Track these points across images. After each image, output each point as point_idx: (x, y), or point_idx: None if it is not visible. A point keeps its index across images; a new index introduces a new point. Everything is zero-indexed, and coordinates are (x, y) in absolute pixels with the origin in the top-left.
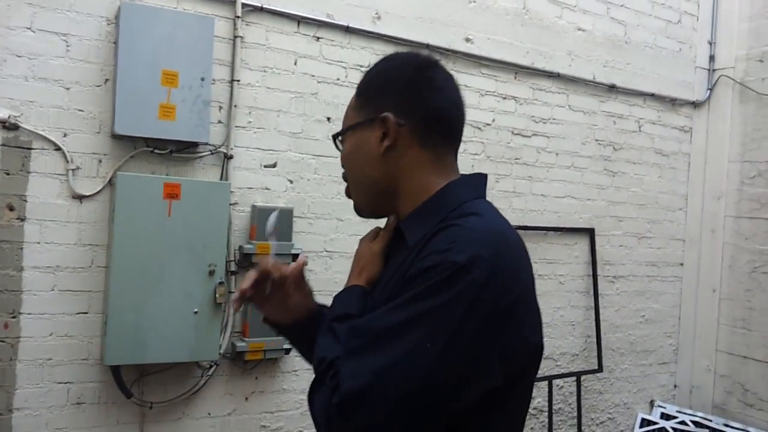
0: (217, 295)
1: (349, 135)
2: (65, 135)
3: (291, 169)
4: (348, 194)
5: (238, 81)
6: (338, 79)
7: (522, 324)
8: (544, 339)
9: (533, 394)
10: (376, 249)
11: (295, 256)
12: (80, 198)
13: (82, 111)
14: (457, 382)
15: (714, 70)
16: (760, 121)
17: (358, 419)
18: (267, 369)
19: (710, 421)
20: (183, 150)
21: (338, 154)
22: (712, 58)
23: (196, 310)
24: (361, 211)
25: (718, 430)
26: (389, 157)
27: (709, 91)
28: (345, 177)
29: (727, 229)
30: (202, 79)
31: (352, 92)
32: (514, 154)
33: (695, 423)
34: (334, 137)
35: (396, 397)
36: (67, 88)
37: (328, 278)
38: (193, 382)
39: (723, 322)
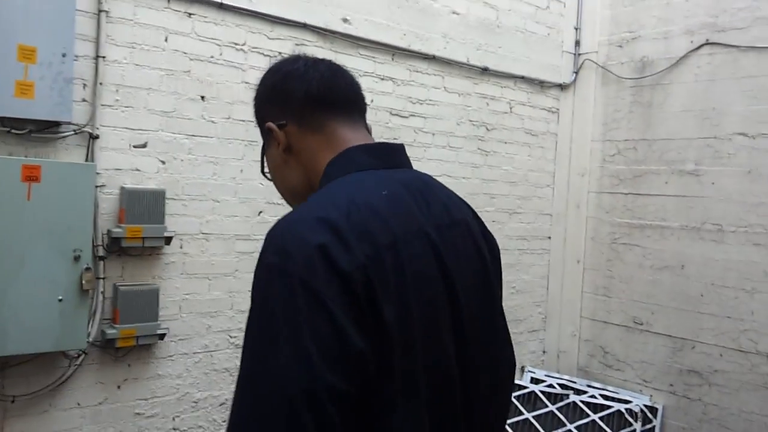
0: (83, 282)
1: (267, 162)
2: None
3: (163, 149)
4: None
5: (104, 57)
6: (212, 57)
7: (373, 300)
8: None
9: None
10: None
11: (169, 239)
12: None
13: None
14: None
15: (579, 55)
16: (620, 102)
17: None
18: (140, 355)
19: (575, 382)
20: (44, 130)
21: (215, 133)
22: (577, 43)
23: (60, 297)
24: None
25: (582, 390)
26: (292, 158)
27: (574, 74)
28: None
29: (590, 204)
30: (63, 55)
31: (227, 70)
32: (392, 134)
33: (561, 385)
34: (261, 170)
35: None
36: None
37: (204, 261)
38: (60, 372)
39: (586, 290)
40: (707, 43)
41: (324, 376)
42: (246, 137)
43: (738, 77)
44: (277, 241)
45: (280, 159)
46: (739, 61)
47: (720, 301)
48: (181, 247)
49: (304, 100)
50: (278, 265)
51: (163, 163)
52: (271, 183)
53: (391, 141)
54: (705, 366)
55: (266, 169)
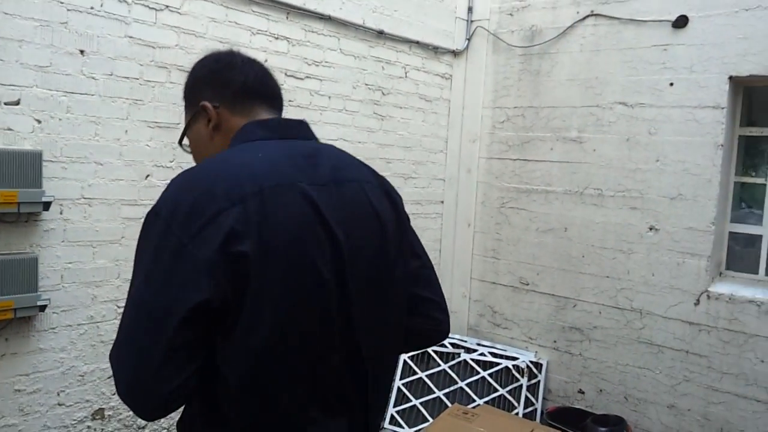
0: None
1: (188, 134)
2: None
3: (38, 107)
4: None
5: None
6: (92, 8)
7: (231, 238)
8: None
9: None
10: None
11: (47, 204)
12: None
13: None
14: (174, 305)
15: (472, 21)
16: (509, 70)
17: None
18: (19, 329)
19: (465, 341)
20: None
21: (96, 91)
22: (470, 9)
23: None
24: None
25: (472, 348)
26: (218, 135)
27: (467, 41)
28: None
29: (481, 169)
30: None
31: (109, 23)
32: (288, 96)
33: (453, 344)
34: (179, 141)
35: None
36: None
37: (87, 227)
38: None
39: (476, 252)
40: (592, 14)
41: (184, 299)
42: (130, 96)
43: (620, 48)
44: (164, 198)
45: (207, 135)
46: (621, 33)
47: (599, 261)
48: (61, 213)
49: (240, 88)
50: (154, 210)
51: (39, 122)
52: (161, 146)
53: (295, 118)
54: (585, 323)
55: (185, 142)
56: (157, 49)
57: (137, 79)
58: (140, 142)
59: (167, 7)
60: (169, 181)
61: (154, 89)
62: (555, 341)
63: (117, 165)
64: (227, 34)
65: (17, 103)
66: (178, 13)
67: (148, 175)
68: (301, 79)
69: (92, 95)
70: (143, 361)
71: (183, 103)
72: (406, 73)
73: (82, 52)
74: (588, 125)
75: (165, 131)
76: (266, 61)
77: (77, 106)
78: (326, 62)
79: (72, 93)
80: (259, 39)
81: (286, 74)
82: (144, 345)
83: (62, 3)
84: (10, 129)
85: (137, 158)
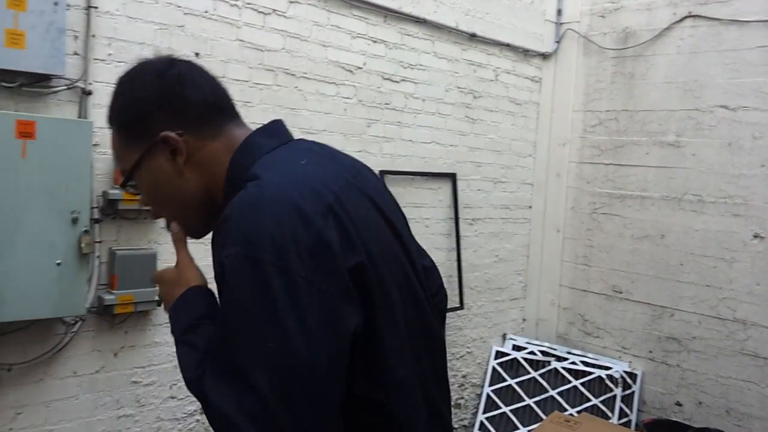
0: (82, 245)
1: (138, 174)
2: None
3: None
4: (168, 226)
5: (96, 8)
6: (206, 12)
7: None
8: None
9: None
10: (180, 259)
11: None
12: None
13: None
14: (328, 354)
15: (561, 24)
16: (601, 73)
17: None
18: (137, 322)
19: (555, 349)
20: (35, 84)
21: None
22: (559, 12)
23: (59, 261)
24: (200, 231)
25: (562, 357)
26: (189, 169)
27: (556, 44)
28: (156, 213)
29: (571, 174)
30: (55, 4)
31: (223, 27)
32: (384, 99)
33: (542, 352)
34: (123, 184)
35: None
36: None
37: None
38: (57, 339)
39: (566, 259)
40: (690, 16)
41: (324, 349)
42: (241, 98)
43: (720, 50)
44: (248, 235)
45: (174, 171)
46: (721, 35)
47: (699, 269)
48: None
49: (201, 106)
50: (245, 256)
51: None
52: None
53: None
54: (683, 333)
55: (136, 189)
56: (265, 53)
57: (246, 81)
58: None
59: (274, 11)
60: (230, 215)
61: (262, 92)
62: (651, 351)
63: None
64: (329, 37)
65: None
66: (284, 17)
67: None
68: (397, 82)
69: None
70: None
71: (115, 133)
72: (496, 75)
73: (197, 54)
74: (687, 129)
75: None
76: (365, 64)
77: None
78: (420, 65)
79: None
80: (358, 42)
81: (383, 77)
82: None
83: (180, 7)
84: None
85: None
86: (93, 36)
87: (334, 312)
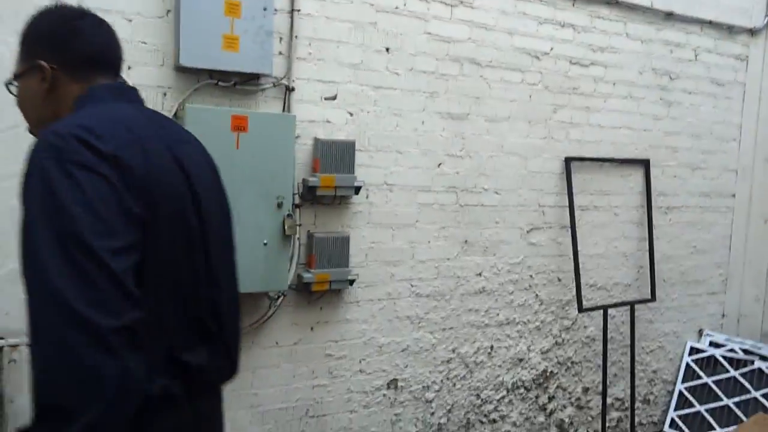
0: (285, 227)
1: (19, 81)
2: (129, 68)
3: (351, 101)
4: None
5: (299, 11)
6: (397, 8)
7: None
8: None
9: (586, 323)
10: None
11: (358, 189)
12: None
13: (145, 43)
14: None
15: None
16: None
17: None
18: (331, 300)
19: (760, 348)
20: (246, 82)
21: (398, 85)
22: None
23: (265, 241)
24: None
25: (767, 356)
26: (51, 96)
27: (767, 18)
28: (24, 115)
29: None
30: (265, 9)
31: (412, 22)
32: (571, 84)
33: (744, 351)
34: (7, 84)
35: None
36: (129, 20)
37: (388, 211)
38: (263, 311)
39: None
40: None
41: (109, 230)
42: (428, 89)
43: None
44: (44, 144)
45: (39, 94)
46: None
47: None
48: (367, 197)
49: (83, 59)
50: (52, 157)
51: (351, 114)
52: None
53: (129, 84)
54: None
55: (15, 92)
56: (451, 44)
57: (433, 72)
58: (434, 132)
59: (462, 2)
60: (39, 138)
61: (448, 82)
62: None
63: (414, 154)
64: (516, 24)
65: (334, 98)
66: (471, 7)
67: (440, 164)
68: (586, 66)
69: (395, 89)
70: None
71: (18, 43)
72: (696, 55)
73: (387, 49)
74: None
75: (456, 122)
76: (552, 49)
77: (382, 99)
78: (612, 48)
79: (379, 87)
80: (545, 28)
81: (570, 62)
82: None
83: (372, 5)
84: (328, 121)
85: (431, 147)
86: (296, 37)
87: (113, 192)
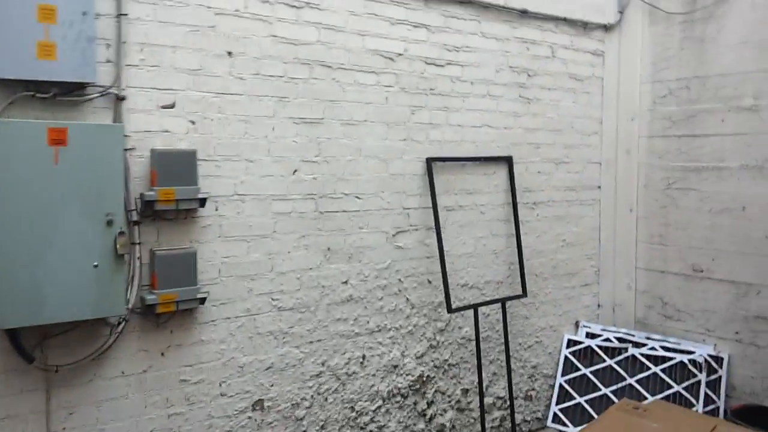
0: (118, 246)
1: None
2: None
3: (192, 109)
4: None
5: (126, 15)
6: (237, 11)
7: None
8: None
9: (461, 324)
10: None
11: (203, 201)
12: None
13: None
14: None
15: None
16: (668, 40)
17: None
18: (182, 321)
19: (633, 335)
20: (69, 93)
21: (244, 91)
22: None
23: (96, 263)
24: None
25: (641, 343)
26: None
27: (619, 14)
28: None
29: (641, 149)
30: (84, 14)
31: (255, 24)
32: (428, 85)
33: (619, 339)
34: None
35: None
36: None
37: (241, 222)
38: (102, 340)
39: (641, 239)
40: None
41: None
42: (276, 94)
43: None
44: None
45: None
46: None
47: None
48: (216, 209)
49: None
50: None
51: (193, 123)
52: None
53: None
54: None
55: None
56: (299, 46)
57: (282, 76)
58: (287, 138)
59: (307, 4)
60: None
61: (298, 86)
62: (737, 332)
63: (266, 161)
64: (366, 26)
65: (173, 106)
66: (318, 9)
67: (295, 170)
68: (442, 66)
69: (241, 95)
70: None
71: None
72: (553, 52)
73: (229, 53)
74: (765, 92)
75: (310, 127)
76: (406, 50)
77: (228, 106)
78: (467, 47)
79: (222, 93)
80: (398, 29)
81: (426, 62)
82: None
83: (210, 8)
84: (167, 131)
85: (285, 154)
86: (124, 42)
87: None
